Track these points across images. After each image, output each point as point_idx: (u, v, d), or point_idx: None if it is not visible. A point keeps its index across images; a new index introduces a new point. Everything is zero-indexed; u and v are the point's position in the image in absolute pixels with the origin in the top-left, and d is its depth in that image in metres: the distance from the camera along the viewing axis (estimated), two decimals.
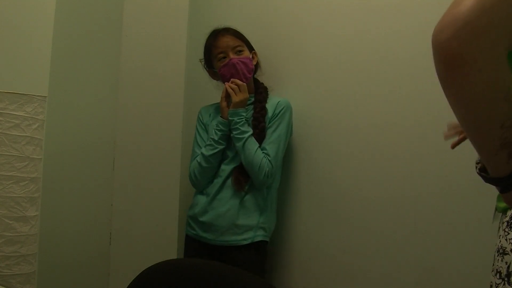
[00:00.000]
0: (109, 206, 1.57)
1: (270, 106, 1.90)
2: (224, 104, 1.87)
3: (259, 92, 1.94)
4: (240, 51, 1.89)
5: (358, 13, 1.83)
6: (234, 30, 1.93)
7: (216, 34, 1.90)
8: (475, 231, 1.51)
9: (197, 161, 1.85)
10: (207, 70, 1.96)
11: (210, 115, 1.95)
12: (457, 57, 0.63)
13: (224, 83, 1.89)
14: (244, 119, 1.84)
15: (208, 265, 0.90)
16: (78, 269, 1.98)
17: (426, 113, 1.64)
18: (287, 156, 1.98)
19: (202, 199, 1.87)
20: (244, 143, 1.81)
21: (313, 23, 1.95)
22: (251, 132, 1.83)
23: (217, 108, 1.93)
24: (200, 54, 1.98)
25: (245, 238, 1.83)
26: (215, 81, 1.99)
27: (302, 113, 1.97)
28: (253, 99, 1.92)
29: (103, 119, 2.02)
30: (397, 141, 1.70)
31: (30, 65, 1.85)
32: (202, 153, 1.86)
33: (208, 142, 1.88)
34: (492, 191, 1.45)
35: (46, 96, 1.63)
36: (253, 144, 1.82)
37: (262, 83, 1.98)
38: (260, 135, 1.85)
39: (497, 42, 0.63)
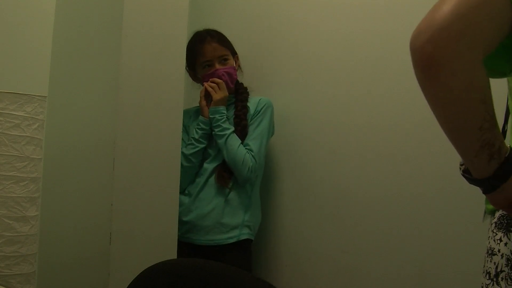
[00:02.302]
0: (109, 206, 1.57)
1: (251, 104, 1.92)
2: (203, 103, 1.89)
3: (240, 92, 1.96)
4: (226, 59, 1.91)
5: (349, 10, 1.83)
6: (219, 35, 1.94)
7: (202, 40, 1.91)
8: (474, 231, 1.51)
9: (183, 156, 1.85)
10: (188, 72, 1.98)
11: (190, 117, 1.97)
12: (432, 60, 0.65)
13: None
14: (225, 116, 1.85)
15: (208, 265, 0.90)
16: (78, 269, 1.98)
17: (426, 112, 1.63)
18: (275, 154, 1.99)
19: (184, 199, 1.87)
20: (226, 139, 1.82)
21: (312, 23, 1.95)
22: (232, 129, 1.85)
23: (198, 110, 1.95)
24: None
25: (231, 236, 1.83)
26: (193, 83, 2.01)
27: (286, 112, 1.98)
28: (233, 100, 1.93)
29: (103, 119, 2.02)
30: (391, 140, 1.70)
31: (30, 65, 1.85)
32: (183, 153, 1.87)
33: (188, 142, 1.88)
34: None
35: (46, 96, 1.63)
36: (235, 140, 1.83)
37: (242, 83, 2.00)
38: (242, 132, 1.87)
39: (471, 46, 0.65)
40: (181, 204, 1.87)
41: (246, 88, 1.99)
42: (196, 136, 1.87)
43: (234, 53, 1.97)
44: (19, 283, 1.52)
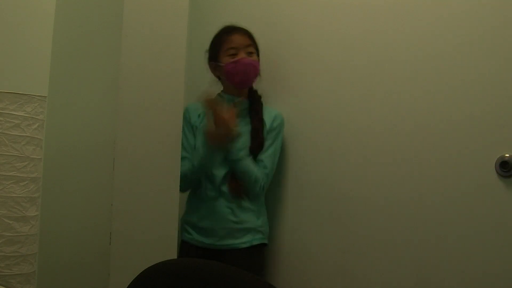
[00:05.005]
0: (109, 206, 1.57)
1: (266, 117, 1.89)
2: (216, 131, 1.76)
3: (256, 99, 1.92)
4: (251, 52, 1.87)
5: (349, 11, 1.83)
6: (249, 32, 1.90)
7: (231, 30, 1.88)
8: (474, 231, 1.51)
9: (183, 171, 1.78)
10: (209, 63, 1.92)
11: (199, 115, 1.90)
12: None
13: (226, 79, 1.86)
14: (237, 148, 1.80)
15: (208, 265, 0.90)
16: (78, 269, 1.98)
17: (426, 113, 1.63)
18: (283, 158, 1.98)
19: (199, 204, 1.86)
20: (239, 162, 1.80)
21: (312, 24, 1.95)
22: (244, 151, 1.82)
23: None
24: (200, 54, 1.98)
25: (244, 241, 1.84)
26: (209, 79, 1.96)
27: (287, 112, 1.98)
28: (247, 105, 1.91)
29: (103, 119, 2.02)
30: (391, 141, 1.70)
31: (30, 65, 1.85)
32: (193, 165, 1.81)
33: (196, 156, 1.81)
34: (493, 192, 1.45)
35: (46, 96, 1.63)
36: (248, 161, 1.81)
37: (256, 91, 1.96)
38: (258, 147, 1.85)
39: None
40: (195, 209, 1.87)
41: (260, 97, 1.96)
42: (202, 155, 1.81)
43: (258, 54, 1.93)
44: (19, 283, 1.52)
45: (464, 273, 1.51)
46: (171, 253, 1.65)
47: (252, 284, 0.83)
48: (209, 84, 1.97)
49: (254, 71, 1.86)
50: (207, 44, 1.95)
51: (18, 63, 1.82)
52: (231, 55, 1.85)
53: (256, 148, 1.85)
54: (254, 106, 1.91)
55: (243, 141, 1.84)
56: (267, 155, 1.86)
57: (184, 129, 1.82)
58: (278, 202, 2.00)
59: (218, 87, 1.97)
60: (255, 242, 1.85)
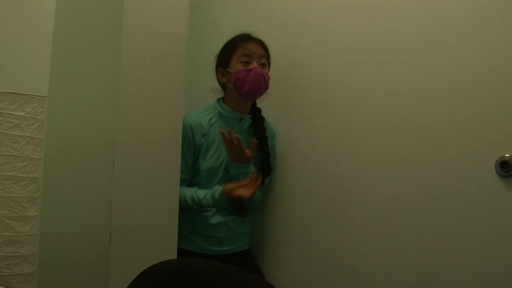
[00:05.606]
0: (109, 206, 1.57)
1: (268, 134, 1.92)
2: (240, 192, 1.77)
3: (259, 118, 1.92)
4: (264, 64, 1.84)
5: (349, 11, 1.83)
6: (265, 44, 1.88)
7: (247, 37, 1.84)
8: (474, 231, 1.51)
9: (184, 199, 1.80)
10: (217, 68, 1.88)
11: (204, 135, 1.82)
12: None
13: (234, 87, 1.81)
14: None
15: (208, 265, 0.90)
16: (78, 269, 1.97)
17: (427, 113, 1.64)
18: (283, 157, 1.99)
19: (200, 214, 1.86)
20: (253, 200, 1.87)
21: (311, 24, 1.95)
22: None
23: (211, 120, 1.86)
24: (200, 53, 1.98)
25: (243, 244, 1.92)
26: (211, 86, 1.95)
27: (286, 111, 1.98)
28: (250, 122, 1.90)
29: (103, 119, 2.01)
30: (392, 140, 1.70)
31: (30, 65, 1.85)
32: (197, 201, 1.80)
33: (197, 200, 1.80)
34: (493, 192, 1.45)
35: (46, 96, 1.63)
36: (258, 194, 1.88)
37: (259, 109, 1.95)
38: (266, 174, 1.91)
39: None
40: (199, 219, 1.86)
41: (263, 118, 1.94)
42: (204, 203, 1.81)
43: (269, 68, 1.91)
44: (19, 283, 1.51)
45: (464, 273, 1.51)
46: (171, 253, 1.65)
47: (252, 284, 0.83)
48: (211, 90, 1.96)
49: (264, 84, 1.82)
50: (207, 45, 1.95)
51: (18, 63, 1.82)
52: (244, 63, 1.80)
53: (264, 174, 1.88)
54: (257, 125, 1.91)
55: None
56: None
57: (183, 149, 1.74)
58: (278, 201, 2.00)
59: (219, 95, 1.95)
60: (248, 245, 1.95)
